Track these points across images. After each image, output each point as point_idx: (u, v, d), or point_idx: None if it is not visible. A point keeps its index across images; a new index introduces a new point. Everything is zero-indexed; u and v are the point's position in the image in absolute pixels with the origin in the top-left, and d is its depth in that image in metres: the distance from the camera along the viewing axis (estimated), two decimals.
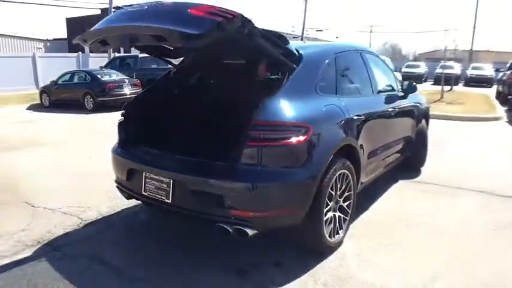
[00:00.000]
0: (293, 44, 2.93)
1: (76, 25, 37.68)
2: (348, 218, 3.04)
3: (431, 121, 9.19)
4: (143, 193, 2.79)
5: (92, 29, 2.60)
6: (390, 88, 4.22)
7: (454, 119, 9.65)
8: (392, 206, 3.83)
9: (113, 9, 22.31)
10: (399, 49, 60.90)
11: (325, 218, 2.71)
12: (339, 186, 2.84)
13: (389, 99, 3.95)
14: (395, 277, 2.55)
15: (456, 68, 23.49)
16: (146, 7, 2.38)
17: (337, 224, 2.89)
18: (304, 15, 36.83)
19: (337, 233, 2.90)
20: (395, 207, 3.81)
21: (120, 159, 3.03)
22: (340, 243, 2.96)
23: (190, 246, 3.05)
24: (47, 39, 36.91)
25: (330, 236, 2.80)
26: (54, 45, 36.58)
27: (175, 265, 2.72)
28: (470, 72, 23.88)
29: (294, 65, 2.71)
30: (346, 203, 3.00)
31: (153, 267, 2.70)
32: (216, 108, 3.40)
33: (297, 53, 2.77)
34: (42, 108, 13.54)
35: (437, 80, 20.89)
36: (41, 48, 34.95)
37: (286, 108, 2.46)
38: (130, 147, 3.05)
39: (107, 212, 3.72)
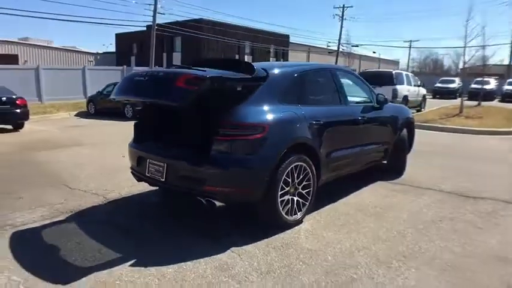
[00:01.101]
0: (268, 65, 3.79)
1: (124, 40, 40.82)
2: (307, 203, 3.76)
3: (443, 133, 9.75)
4: (147, 174, 3.70)
5: (115, 96, 3.66)
6: (366, 100, 4.90)
7: (466, 132, 9.92)
8: (359, 200, 4.46)
9: (156, 26, 24.22)
10: (440, 64, 59.28)
11: (281, 199, 3.46)
12: (295, 175, 3.58)
13: (361, 109, 4.64)
14: (331, 246, 3.24)
15: (491, 84, 23.03)
16: (147, 78, 3.34)
17: (295, 206, 3.63)
18: (340, 32, 37.66)
19: (295, 214, 3.64)
20: (362, 201, 4.44)
21: (133, 150, 3.98)
22: (299, 222, 3.68)
23: (184, 221, 3.91)
24: (97, 53, 40.07)
25: (287, 215, 3.54)
26: (103, 59, 39.65)
27: (168, 230, 3.59)
28: (506, 87, 23.26)
29: (261, 82, 3.51)
30: (305, 191, 3.72)
31: (153, 230, 3.58)
32: (199, 114, 4.22)
33: (265, 73, 3.57)
34: (88, 115, 15.21)
35: (472, 96, 20.68)
36: (92, 61, 38.07)
37: (247, 113, 3.27)
38: (141, 141, 3.98)
39: (126, 194, 4.68)
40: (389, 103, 5.64)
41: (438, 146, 8.16)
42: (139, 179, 3.98)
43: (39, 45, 34.06)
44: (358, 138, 4.57)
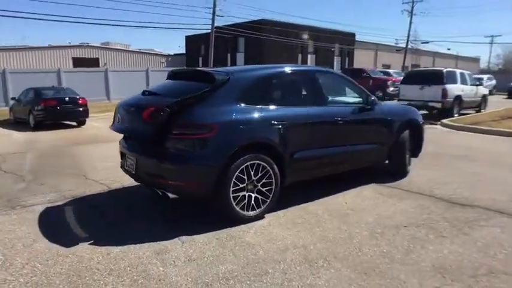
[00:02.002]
0: (233, 69, 4.07)
1: (193, 42, 43.17)
2: (268, 200, 3.90)
3: (485, 136, 8.96)
4: (126, 168, 4.17)
5: (112, 129, 4.29)
6: (353, 101, 4.85)
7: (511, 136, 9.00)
8: (337, 201, 4.44)
9: (218, 29, 25.34)
10: None
11: (235, 195, 3.66)
12: (252, 173, 3.75)
13: (344, 110, 4.61)
14: (272, 242, 3.36)
15: None
16: (124, 112, 4.08)
17: (254, 202, 3.80)
18: (409, 28, 35.61)
19: (253, 209, 3.81)
20: (339, 201, 4.41)
21: (119, 146, 4.48)
22: (258, 217, 3.84)
23: (155, 211, 4.30)
24: (168, 55, 42.91)
25: (243, 210, 3.73)
26: (174, 60, 42.34)
27: (138, 218, 4.02)
28: None
29: (222, 84, 3.75)
30: (266, 188, 3.87)
31: (126, 217, 4.04)
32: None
33: (227, 77, 3.81)
34: None
35: None
36: (164, 62, 40.89)
37: (198, 114, 3.54)
38: (125, 138, 4.46)
39: (127, 185, 5.22)
40: (389, 103, 5.48)
41: (468, 149, 7.54)
42: (124, 172, 4.47)
43: (117, 49, 37.58)
44: (338, 138, 4.55)
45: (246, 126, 3.71)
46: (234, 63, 37.35)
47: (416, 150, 5.73)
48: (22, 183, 5.42)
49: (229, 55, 38.45)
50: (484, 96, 14.29)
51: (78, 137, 9.98)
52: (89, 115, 12.54)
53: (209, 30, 35.50)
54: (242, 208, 3.74)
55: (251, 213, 3.80)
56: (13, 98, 12.87)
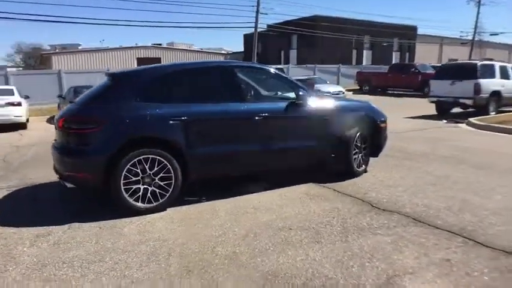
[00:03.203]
0: (136, 68, 4.30)
1: (250, 40, 43.85)
2: (167, 194, 4.00)
3: (505, 136, 7.86)
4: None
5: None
6: (284, 97, 4.70)
7: None
8: (250, 199, 4.35)
9: (261, 29, 25.46)
10: None
11: (128, 187, 3.82)
12: (147, 167, 3.88)
13: (267, 107, 4.51)
14: (143, 235, 3.45)
15: None
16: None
17: (150, 195, 3.93)
18: (476, 19, 32.16)
19: (150, 202, 3.94)
20: (251, 200, 4.32)
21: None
22: (155, 210, 3.97)
23: (86, 199, 4.63)
24: (227, 53, 44.22)
25: (137, 201, 3.88)
26: (233, 58, 43.48)
27: (60, 207, 4.42)
28: None
29: (122, 83, 3.97)
30: (164, 182, 3.98)
31: (57, 204, 4.45)
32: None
33: (127, 76, 4.08)
34: None
35: None
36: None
37: (90, 110, 3.82)
38: None
39: None
40: (341, 100, 5.24)
41: (466, 151, 6.72)
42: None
43: (179, 49, 39.70)
44: (256, 135, 4.43)
45: (136, 122, 3.86)
46: (287, 60, 37.20)
47: (375, 150, 5.35)
48: (3, 171, 6.16)
49: (282, 52, 38.42)
50: None
51: None
52: None
53: (264, 29, 35.88)
54: (137, 200, 3.89)
55: (145, 205, 3.92)
56: (59, 96, 14.43)
